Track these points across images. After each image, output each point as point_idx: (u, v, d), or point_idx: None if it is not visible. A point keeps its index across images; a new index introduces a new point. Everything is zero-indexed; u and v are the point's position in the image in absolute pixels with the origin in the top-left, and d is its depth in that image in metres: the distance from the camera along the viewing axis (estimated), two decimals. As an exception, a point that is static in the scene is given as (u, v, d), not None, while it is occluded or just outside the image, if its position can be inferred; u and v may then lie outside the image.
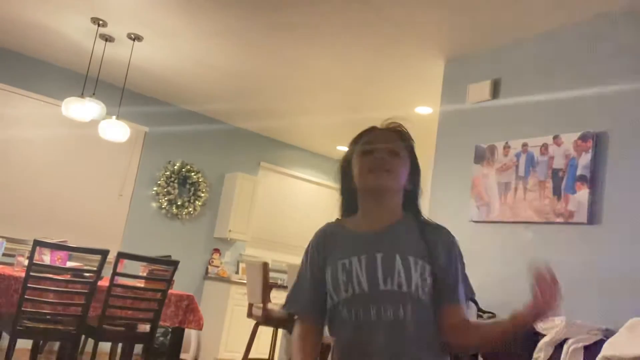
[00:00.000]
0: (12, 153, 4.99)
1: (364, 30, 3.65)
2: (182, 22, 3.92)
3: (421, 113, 4.94)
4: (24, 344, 4.22)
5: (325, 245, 1.37)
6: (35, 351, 4.23)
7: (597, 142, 2.83)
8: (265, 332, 4.35)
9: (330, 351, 1.31)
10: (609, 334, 2.41)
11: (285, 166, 6.85)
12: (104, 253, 3.28)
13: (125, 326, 3.71)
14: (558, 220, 2.88)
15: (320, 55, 4.15)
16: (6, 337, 4.10)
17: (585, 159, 2.84)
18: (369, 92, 4.73)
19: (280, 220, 6.75)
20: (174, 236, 5.87)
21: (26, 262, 3.16)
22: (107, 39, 4.32)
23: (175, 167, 5.87)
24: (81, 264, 3.62)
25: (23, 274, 3.05)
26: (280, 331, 4.29)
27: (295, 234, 6.78)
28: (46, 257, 3.45)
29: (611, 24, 2.97)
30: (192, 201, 5.97)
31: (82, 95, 4.16)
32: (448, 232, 1.35)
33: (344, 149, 6.56)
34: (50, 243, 3.29)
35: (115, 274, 3.33)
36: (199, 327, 3.70)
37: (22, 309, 3.01)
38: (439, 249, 1.29)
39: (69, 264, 3.54)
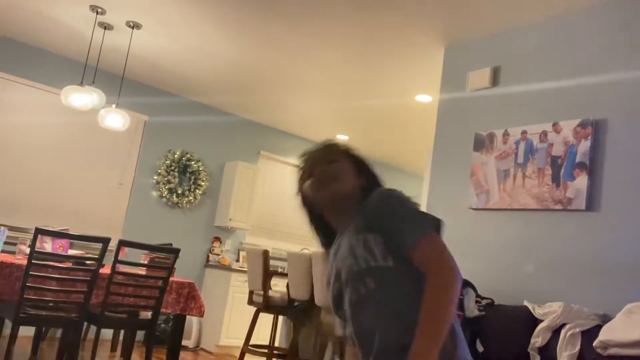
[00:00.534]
0: (13, 142, 4.99)
1: (364, 18, 3.64)
2: (181, 10, 3.90)
3: (421, 101, 4.94)
4: (27, 331, 4.26)
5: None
6: (37, 338, 4.28)
7: (596, 129, 2.84)
8: (265, 319, 4.39)
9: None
10: (606, 319, 2.43)
11: (285, 155, 6.86)
12: (106, 241, 3.30)
13: (127, 313, 3.74)
14: (557, 207, 2.89)
15: (320, 44, 4.14)
16: (9, 324, 4.14)
17: (584, 146, 2.85)
18: (369, 80, 4.72)
19: (280, 209, 6.77)
20: (175, 225, 5.89)
21: (28, 251, 3.18)
22: (106, 27, 4.31)
23: (176, 155, 5.88)
24: (83, 252, 3.64)
25: (25, 262, 3.07)
26: (280, 318, 4.33)
27: (295, 222, 6.80)
28: (47, 245, 3.46)
29: (610, 12, 2.96)
30: (192, 190, 5.98)
31: (81, 84, 4.16)
32: (373, 195, 1.28)
33: (344, 137, 6.54)
34: (51, 231, 3.31)
35: (117, 261, 3.35)
36: (200, 314, 3.73)
37: (25, 296, 3.04)
38: (370, 216, 1.25)
39: (71, 252, 3.56)
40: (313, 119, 6.19)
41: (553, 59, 3.15)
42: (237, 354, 4.24)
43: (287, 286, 3.90)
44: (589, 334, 2.35)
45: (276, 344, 4.27)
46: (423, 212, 1.26)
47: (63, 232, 3.38)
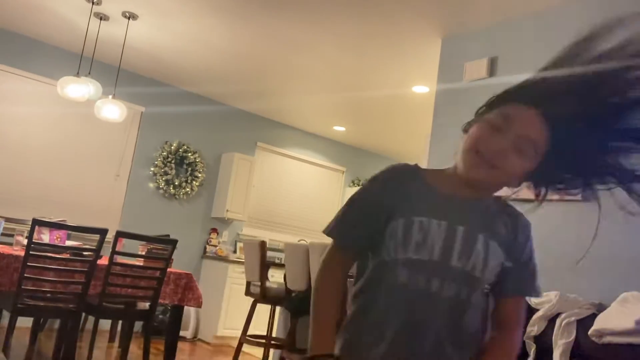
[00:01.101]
0: (9, 133, 4.98)
1: (361, 9, 3.62)
2: (177, 0, 3.88)
3: (418, 92, 4.94)
4: (25, 322, 4.27)
5: (399, 188, 1.16)
6: (35, 329, 4.29)
7: (592, 120, 2.85)
8: (263, 309, 4.41)
9: (351, 316, 1.17)
10: (601, 308, 2.45)
11: (282, 146, 6.85)
12: (103, 232, 3.30)
13: (125, 304, 3.75)
14: (554, 197, 2.90)
15: (317, 35, 4.13)
16: (7, 315, 4.15)
17: (580, 136, 2.86)
18: (366, 71, 4.72)
19: (277, 200, 6.77)
20: (172, 216, 5.89)
21: (25, 242, 3.18)
22: (102, 17, 4.28)
23: (172, 147, 5.87)
24: (80, 243, 3.64)
25: (22, 253, 3.08)
26: (277, 308, 4.34)
27: (292, 213, 6.82)
28: (45, 237, 3.47)
29: (610, 2, 2.96)
30: (189, 181, 5.98)
31: (77, 75, 4.14)
32: (524, 217, 1.23)
33: (340, 129, 6.53)
34: (49, 222, 3.31)
35: (114, 252, 3.36)
36: (198, 304, 3.75)
37: (22, 287, 3.05)
38: (519, 238, 1.17)
39: (68, 243, 3.56)
40: (310, 110, 6.18)
41: (550, 49, 3.14)
42: (235, 344, 4.26)
43: (285, 277, 3.92)
44: (585, 323, 2.37)
45: (273, 335, 4.29)
46: None
47: (60, 223, 3.38)
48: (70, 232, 3.64)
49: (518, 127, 1.10)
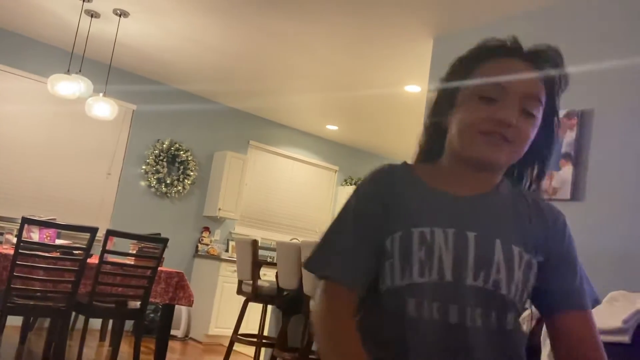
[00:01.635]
0: (-2, 131, 4.94)
1: (354, 9, 3.62)
2: (169, -2, 3.87)
3: (410, 91, 4.95)
4: (15, 321, 4.24)
5: (392, 195, 0.93)
6: (25, 328, 4.26)
7: (581, 120, 2.87)
8: (254, 308, 4.40)
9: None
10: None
11: (275, 145, 6.85)
12: (93, 231, 3.29)
13: (116, 303, 3.74)
14: (543, 196, 2.92)
15: (310, 33, 4.13)
16: (-4, 314, 4.11)
17: (570, 136, 2.88)
18: (359, 70, 4.72)
19: (269, 199, 6.77)
20: (164, 215, 5.87)
21: (14, 240, 3.16)
22: (93, 14, 4.25)
23: (164, 145, 5.84)
24: (70, 242, 3.62)
25: (12, 252, 3.06)
26: (269, 307, 4.34)
27: (285, 212, 6.81)
28: (35, 235, 3.45)
29: (599, 2, 2.98)
30: (181, 180, 5.96)
31: (68, 72, 4.12)
32: (561, 213, 1.01)
33: (333, 128, 6.52)
34: (38, 220, 3.29)
35: (104, 251, 3.34)
36: (189, 303, 3.74)
37: (12, 286, 3.02)
38: (555, 237, 0.95)
39: (58, 242, 3.54)
40: (303, 108, 6.18)
41: (541, 49, 3.16)
42: (227, 343, 4.25)
43: (276, 275, 3.91)
44: (573, 322, 2.38)
45: (265, 333, 4.29)
46: None
47: (50, 221, 3.37)
48: (60, 230, 3.62)
49: (520, 84, 0.90)
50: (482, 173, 0.94)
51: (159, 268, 3.57)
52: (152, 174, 5.77)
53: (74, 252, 3.34)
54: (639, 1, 2.83)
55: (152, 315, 5.20)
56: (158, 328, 3.89)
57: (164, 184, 5.83)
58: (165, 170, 5.85)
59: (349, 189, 7.24)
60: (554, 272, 0.93)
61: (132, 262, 3.62)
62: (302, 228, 6.83)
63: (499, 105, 0.89)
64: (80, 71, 4.23)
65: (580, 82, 2.94)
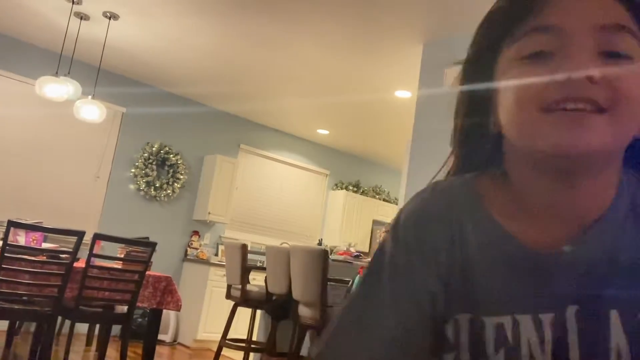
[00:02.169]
0: (-15, 133, 4.89)
1: (344, 13, 3.63)
2: (159, 1, 3.85)
3: (400, 97, 4.97)
4: (0, 325, 4.19)
5: (453, 245, 0.60)
6: (11, 332, 4.21)
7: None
8: (243, 313, 4.38)
9: None
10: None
11: (265, 149, 6.83)
12: (80, 234, 3.26)
13: (103, 307, 3.70)
14: None
15: (300, 38, 4.13)
16: (-19, 318, 4.05)
17: None
18: (349, 75, 4.73)
19: (260, 203, 6.75)
20: (153, 218, 5.84)
21: (0, 243, 3.13)
22: (82, 17, 4.23)
23: (154, 148, 5.81)
24: (57, 246, 3.59)
25: (-3, 255, 3.02)
26: (258, 312, 4.32)
27: (275, 216, 6.80)
28: (21, 238, 3.41)
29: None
30: (170, 183, 5.93)
31: (56, 74, 4.08)
32: None
33: (324, 132, 6.53)
34: (25, 224, 3.25)
35: (91, 255, 3.31)
36: (177, 308, 3.71)
37: (-3, 290, 2.99)
38: None
39: (45, 245, 3.51)
40: (293, 113, 6.18)
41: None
42: (215, 348, 4.23)
43: (265, 280, 3.90)
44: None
45: (254, 338, 4.27)
46: None
47: (36, 225, 3.33)
48: (47, 234, 3.59)
49: (585, 13, 0.53)
50: (577, 180, 0.55)
51: (147, 272, 3.54)
52: (142, 177, 5.73)
53: (61, 255, 3.31)
54: None
55: (139, 319, 5.16)
56: (145, 333, 3.86)
57: (153, 187, 5.80)
58: (155, 173, 5.81)
59: (340, 193, 7.25)
60: None
61: (120, 267, 3.59)
62: (292, 232, 6.81)
63: (560, 56, 0.53)
64: (69, 73, 4.20)
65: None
